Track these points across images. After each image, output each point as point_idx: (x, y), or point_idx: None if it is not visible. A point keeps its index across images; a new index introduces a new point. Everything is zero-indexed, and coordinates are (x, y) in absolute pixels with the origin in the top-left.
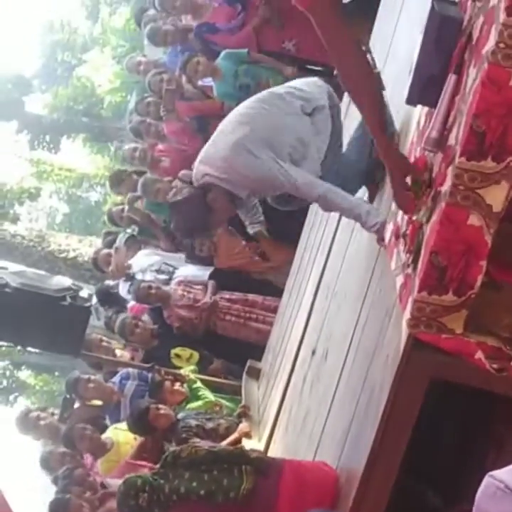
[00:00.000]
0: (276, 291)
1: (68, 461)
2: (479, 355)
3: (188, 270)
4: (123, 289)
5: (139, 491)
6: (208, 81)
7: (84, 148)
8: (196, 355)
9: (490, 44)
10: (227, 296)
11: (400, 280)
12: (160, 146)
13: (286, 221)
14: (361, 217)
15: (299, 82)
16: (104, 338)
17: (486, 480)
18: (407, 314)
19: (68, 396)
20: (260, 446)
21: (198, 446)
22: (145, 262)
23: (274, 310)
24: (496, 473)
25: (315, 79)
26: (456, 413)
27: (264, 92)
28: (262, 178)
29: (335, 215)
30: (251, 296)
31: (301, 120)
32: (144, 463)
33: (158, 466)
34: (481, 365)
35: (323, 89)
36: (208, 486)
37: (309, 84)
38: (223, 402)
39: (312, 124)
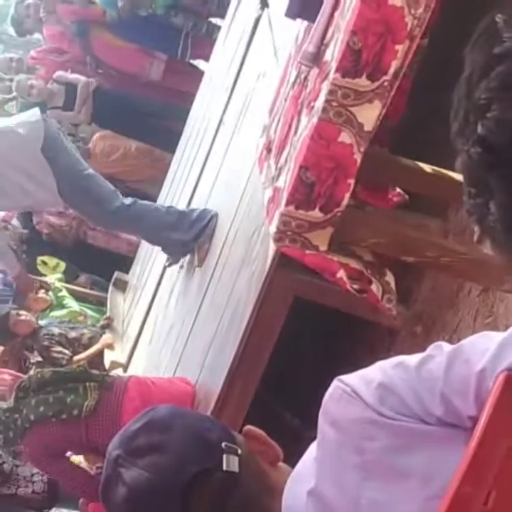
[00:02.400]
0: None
1: None
2: (341, 274)
3: None
4: None
5: None
6: None
7: None
8: (63, 265)
9: None
10: None
11: (268, 194)
12: (33, 54)
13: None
14: None
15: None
16: None
17: (334, 383)
18: (273, 228)
19: None
20: (123, 357)
21: (44, 370)
22: None
23: None
24: (345, 377)
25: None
26: (320, 334)
27: None
28: None
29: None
30: None
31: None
32: (5, 370)
33: (11, 401)
34: (342, 285)
35: (39, 125)
36: (53, 407)
37: (25, 124)
38: (88, 312)
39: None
